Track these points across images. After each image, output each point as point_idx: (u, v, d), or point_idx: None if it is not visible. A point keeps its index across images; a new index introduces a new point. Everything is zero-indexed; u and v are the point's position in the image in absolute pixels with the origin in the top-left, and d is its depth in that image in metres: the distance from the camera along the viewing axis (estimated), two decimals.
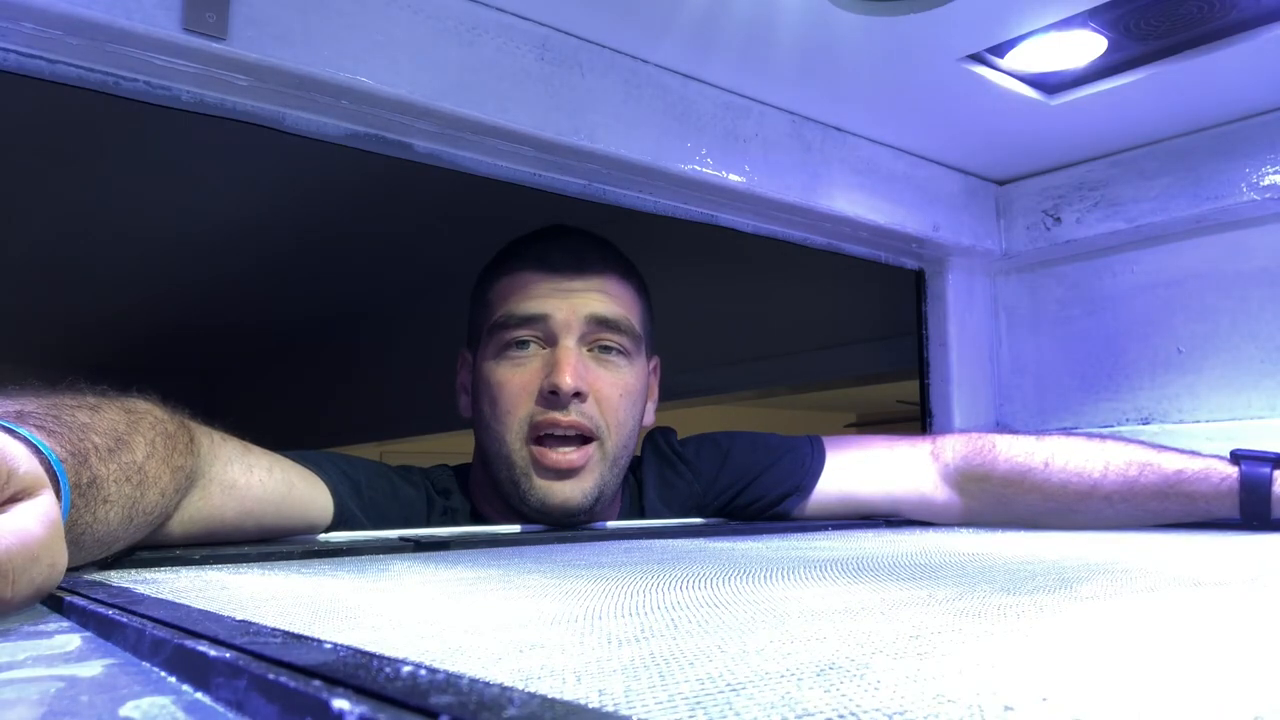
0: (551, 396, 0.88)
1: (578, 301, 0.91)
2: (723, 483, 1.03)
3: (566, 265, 0.93)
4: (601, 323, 0.92)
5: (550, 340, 0.91)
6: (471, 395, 0.98)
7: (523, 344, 0.91)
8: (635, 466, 1.05)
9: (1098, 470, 0.93)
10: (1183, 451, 0.92)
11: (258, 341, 3.53)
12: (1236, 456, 0.90)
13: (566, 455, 0.89)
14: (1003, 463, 0.97)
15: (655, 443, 1.06)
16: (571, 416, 0.88)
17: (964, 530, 0.95)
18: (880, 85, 1.01)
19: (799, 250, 1.21)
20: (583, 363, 0.90)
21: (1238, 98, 1.03)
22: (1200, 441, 1.10)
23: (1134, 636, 0.33)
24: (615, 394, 0.92)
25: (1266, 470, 0.87)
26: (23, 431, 0.43)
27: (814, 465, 1.01)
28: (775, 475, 1.01)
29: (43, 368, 1.01)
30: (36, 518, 0.39)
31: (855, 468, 1.02)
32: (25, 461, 0.40)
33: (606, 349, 0.93)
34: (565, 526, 0.92)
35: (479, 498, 0.98)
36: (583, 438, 0.90)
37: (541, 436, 0.89)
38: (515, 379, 0.91)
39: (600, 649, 0.30)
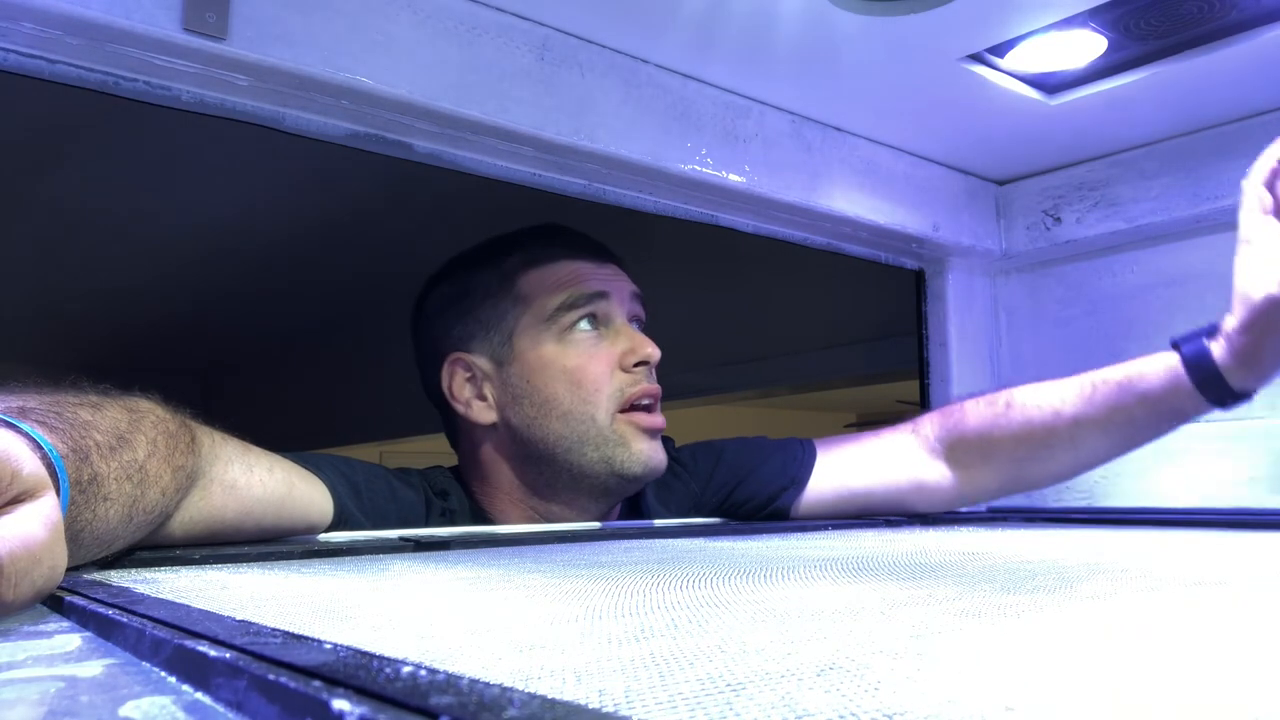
0: (640, 368, 0.94)
1: (619, 281, 0.98)
2: (718, 481, 1.04)
3: (596, 252, 0.98)
4: (637, 298, 0.99)
5: (605, 319, 0.95)
6: (507, 393, 0.95)
7: (585, 323, 0.95)
8: None
9: (1055, 398, 0.96)
10: (1132, 361, 0.93)
11: (257, 342, 3.53)
12: (1175, 343, 0.90)
13: (656, 417, 0.95)
14: (971, 418, 1.01)
15: None
16: (656, 385, 0.96)
17: (964, 530, 0.95)
18: (880, 85, 1.01)
19: (799, 250, 1.21)
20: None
21: (1238, 98, 1.03)
22: (1201, 441, 1.10)
23: (1134, 636, 0.33)
24: (657, 363, 0.98)
25: (1203, 343, 0.88)
26: (24, 427, 0.43)
27: (806, 459, 1.03)
28: (769, 471, 1.03)
29: (44, 367, 1.01)
30: (39, 520, 0.39)
31: (847, 459, 1.04)
32: (29, 462, 0.40)
33: (638, 324, 0.99)
34: (616, 500, 0.97)
35: (491, 497, 0.97)
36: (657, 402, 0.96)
37: (629, 407, 0.93)
38: (596, 357, 0.94)
39: (600, 649, 0.30)
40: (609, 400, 0.92)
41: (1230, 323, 0.86)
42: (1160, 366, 0.90)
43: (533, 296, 0.94)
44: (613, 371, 0.93)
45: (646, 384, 0.94)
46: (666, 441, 1.09)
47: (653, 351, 0.94)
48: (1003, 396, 1.00)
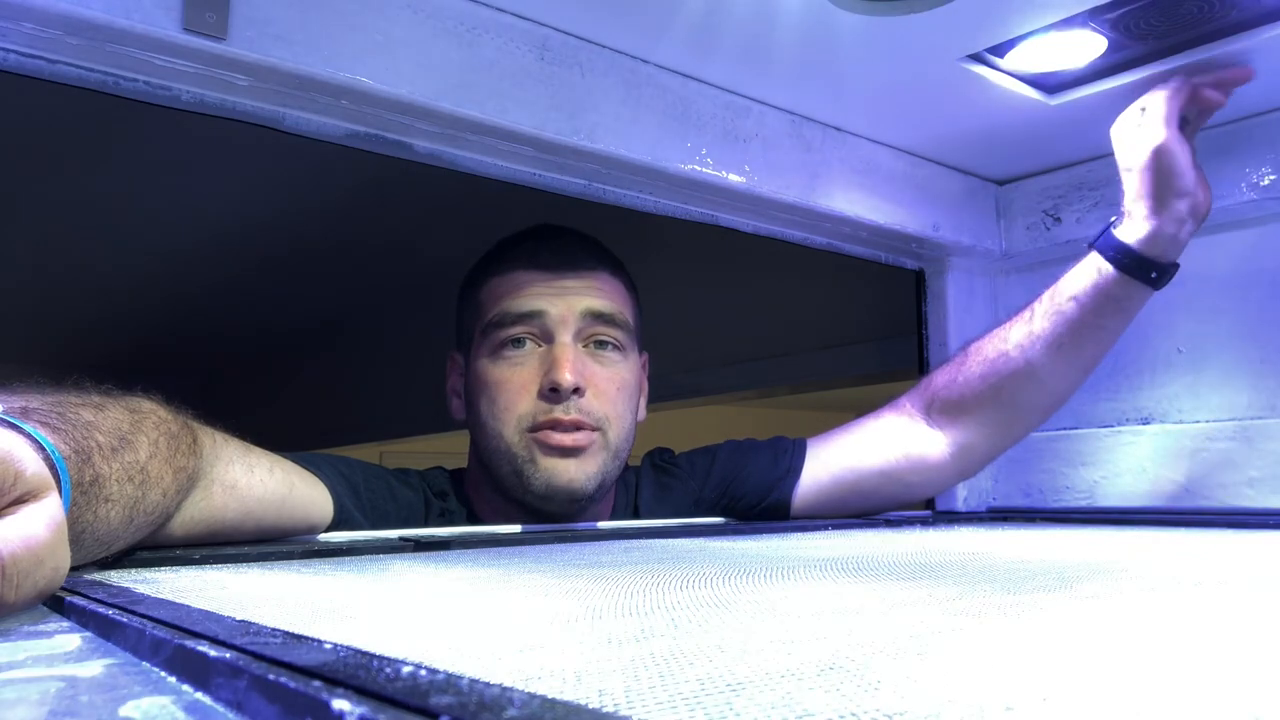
0: (552, 394, 0.89)
1: (572, 298, 0.92)
2: (716, 477, 1.05)
3: (558, 262, 0.94)
4: (597, 317, 0.93)
5: (546, 337, 0.92)
6: (465, 397, 0.98)
7: (518, 342, 0.92)
8: (630, 470, 1.06)
9: (1003, 333, 1.00)
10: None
11: (257, 342, 3.53)
12: (1090, 245, 0.95)
13: (571, 435, 0.90)
14: (940, 380, 1.04)
15: (652, 458, 1.10)
16: (572, 414, 0.89)
17: (964, 530, 0.96)
18: (880, 85, 1.01)
19: (799, 250, 1.21)
20: (580, 358, 0.91)
21: (1237, 97, 1.03)
22: (1201, 441, 1.10)
23: (1134, 636, 0.33)
24: (613, 388, 0.93)
25: (1109, 229, 0.93)
26: (27, 427, 0.43)
27: (797, 451, 1.04)
28: (763, 464, 1.04)
29: (44, 367, 1.01)
30: (42, 521, 0.39)
31: (839, 444, 1.05)
32: (32, 463, 0.40)
33: (602, 344, 0.94)
34: (564, 518, 0.92)
35: (476, 499, 0.98)
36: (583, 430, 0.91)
37: (540, 429, 0.90)
38: (514, 377, 0.91)
39: (600, 649, 0.30)
40: (519, 422, 0.90)
41: (1126, 200, 0.93)
42: (1083, 266, 0.95)
43: (484, 306, 0.95)
44: (530, 394, 0.90)
45: (558, 414, 0.89)
46: (665, 451, 1.10)
47: (561, 378, 0.88)
48: (959, 355, 1.04)
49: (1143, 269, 0.92)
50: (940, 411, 1.03)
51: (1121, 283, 0.92)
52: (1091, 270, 0.94)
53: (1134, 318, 0.96)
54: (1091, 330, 0.95)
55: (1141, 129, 0.91)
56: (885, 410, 1.08)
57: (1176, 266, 0.94)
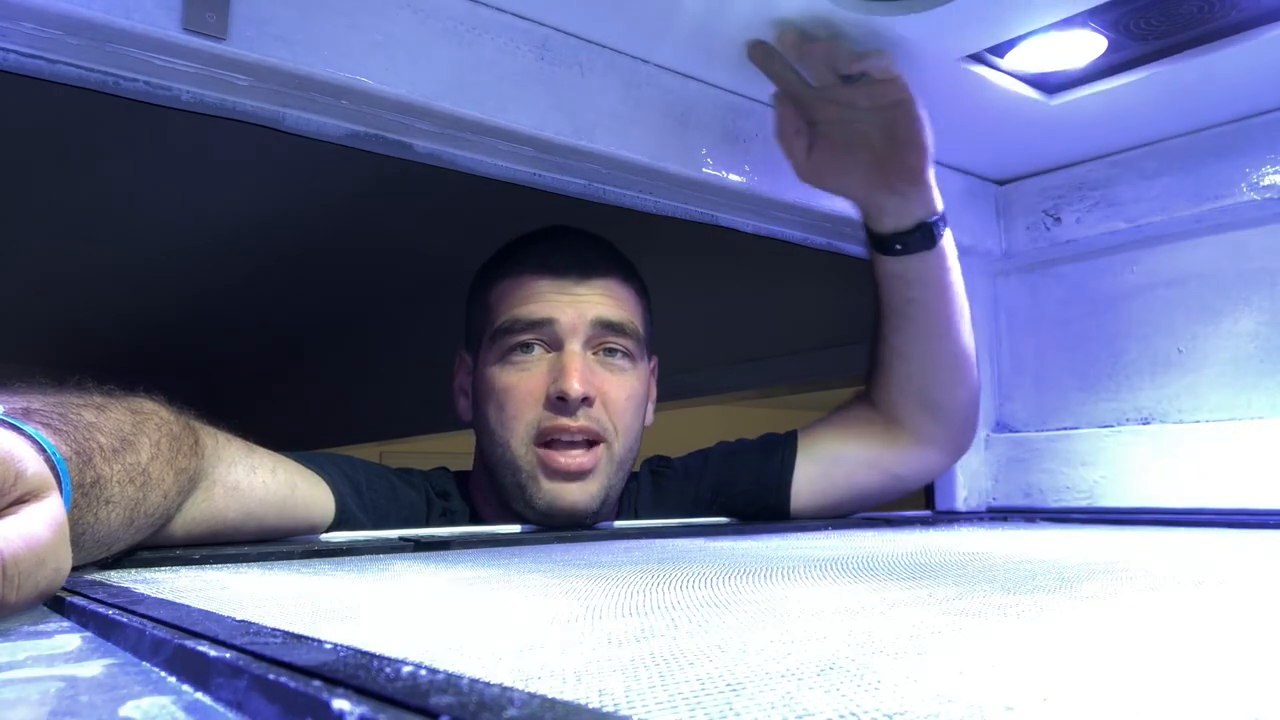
0: (560, 402, 0.88)
1: (583, 305, 0.91)
2: (708, 479, 1.06)
3: (570, 268, 0.93)
4: (607, 326, 0.92)
5: (555, 344, 0.91)
6: (473, 399, 0.97)
7: (527, 348, 0.91)
8: (631, 477, 1.06)
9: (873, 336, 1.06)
10: None
11: (258, 342, 3.53)
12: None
13: (576, 458, 0.89)
14: (869, 379, 1.08)
15: (651, 464, 1.10)
16: (580, 422, 0.88)
17: (964, 530, 0.96)
18: None
19: (799, 250, 1.21)
20: (589, 367, 0.90)
21: (1238, 98, 1.03)
22: (1201, 441, 1.10)
23: (1134, 636, 0.33)
24: (621, 397, 0.92)
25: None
26: (28, 429, 0.43)
27: (789, 443, 1.05)
28: (755, 461, 1.04)
29: (46, 368, 1.01)
30: (44, 521, 0.39)
31: (823, 431, 1.07)
32: (33, 463, 0.40)
33: (611, 352, 0.93)
34: (567, 529, 0.92)
35: (479, 501, 0.98)
36: (590, 441, 0.90)
37: (549, 441, 0.89)
38: (521, 384, 0.90)
39: (600, 649, 0.30)
40: (526, 430, 0.89)
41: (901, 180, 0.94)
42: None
43: (494, 310, 0.94)
44: (538, 401, 0.89)
45: (564, 420, 0.88)
46: (662, 459, 1.10)
47: (569, 387, 0.87)
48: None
49: (875, 241, 0.97)
50: (882, 405, 1.05)
51: (874, 258, 0.98)
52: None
53: (940, 278, 0.98)
54: (897, 305, 1.00)
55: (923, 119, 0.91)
56: (855, 405, 1.09)
57: (923, 226, 0.95)
